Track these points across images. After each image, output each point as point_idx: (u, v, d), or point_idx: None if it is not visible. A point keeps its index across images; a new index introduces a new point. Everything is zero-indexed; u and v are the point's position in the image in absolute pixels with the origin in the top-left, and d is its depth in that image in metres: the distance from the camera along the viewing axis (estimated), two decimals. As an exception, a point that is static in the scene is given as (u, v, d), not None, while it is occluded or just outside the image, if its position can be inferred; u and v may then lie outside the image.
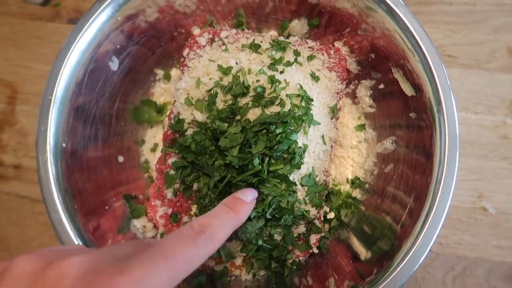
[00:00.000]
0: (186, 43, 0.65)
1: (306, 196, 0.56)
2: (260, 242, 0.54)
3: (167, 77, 0.68)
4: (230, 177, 0.52)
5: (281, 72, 0.58)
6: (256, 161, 0.50)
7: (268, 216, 0.53)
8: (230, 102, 0.55)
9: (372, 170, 0.64)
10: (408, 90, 0.57)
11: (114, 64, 0.60)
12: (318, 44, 0.64)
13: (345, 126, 0.66)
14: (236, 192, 0.49)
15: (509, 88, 0.72)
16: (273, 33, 0.68)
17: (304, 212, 0.55)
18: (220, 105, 0.55)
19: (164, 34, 0.65)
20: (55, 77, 0.53)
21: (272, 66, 0.58)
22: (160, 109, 0.67)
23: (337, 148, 0.65)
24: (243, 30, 0.66)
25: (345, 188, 0.65)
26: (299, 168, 0.53)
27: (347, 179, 0.65)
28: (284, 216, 0.53)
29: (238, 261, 0.57)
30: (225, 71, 0.57)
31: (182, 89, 0.59)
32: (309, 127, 0.55)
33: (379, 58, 0.62)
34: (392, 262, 0.51)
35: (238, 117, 0.54)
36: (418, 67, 0.55)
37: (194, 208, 0.57)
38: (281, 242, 0.56)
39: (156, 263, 0.34)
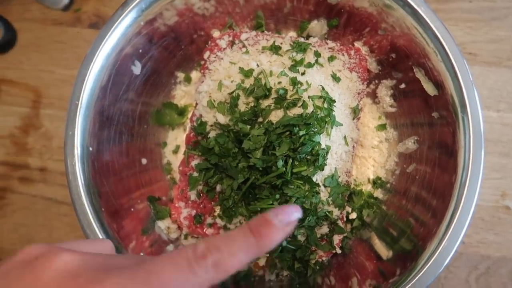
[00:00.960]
0: (207, 45, 0.65)
1: (329, 197, 0.56)
2: (284, 243, 0.54)
3: (188, 80, 0.69)
4: (254, 179, 0.53)
5: (303, 74, 0.58)
6: (280, 163, 0.51)
7: (292, 217, 0.53)
8: (252, 104, 0.55)
9: (394, 170, 0.64)
10: (430, 89, 0.57)
11: (136, 68, 0.61)
12: (338, 44, 0.64)
13: (365, 126, 0.66)
14: (270, 210, 0.36)
15: (532, 85, 0.71)
16: (292, 34, 0.68)
17: (327, 213, 0.55)
18: (242, 107, 0.56)
19: (184, 37, 0.66)
20: (81, 83, 0.54)
21: (293, 67, 0.58)
22: (181, 112, 0.68)
23: (358, 148, 0.65)
24: (262, 31, 0.66)
25: (367, 188, 0.65)
26: (323, 169, 0.54)
27: (369, 179, 0.65)
28: (307, 217, 0.54)
29: (262, 261, 0.58)
30: (247, 73, 0.58)
31: (204, 92, 0.59)
32: (332, 128, 0.55)
33: (400, 57, 0.62)
34: (416, 263, 0.51)
35: (260, 119, 0.54)
36: (440, 65, 0.55)
37: (217, 210, 0.58)
38: (304, 243, 0.56)
39: (134, 281, 0.30)
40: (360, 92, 0.62)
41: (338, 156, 0.57)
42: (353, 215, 0.62)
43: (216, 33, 0.67)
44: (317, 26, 0.67)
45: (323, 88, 0.56)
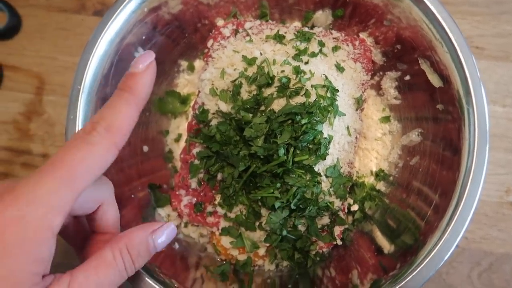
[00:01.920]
0: (210, 34, 0.65)
1: (330, 188, 0.55)
2: (284, 232, 0.54)
3: (191, 68, 0.69)
4: (255, 167, 0.52)
5: (306, 63, 0.57)
6: (282, 151, 0.50)
7: (292, 206, 0.53)
8: (254, 92, 0.55)
9: (397, 162, 0.63)
10: (435, 81, 0.56)
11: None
12: (343, 35, 0.63)
13: (369, 118, 0.65)
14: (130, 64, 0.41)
15: (539, 80, 0.70)
16: (297, 24, 0.67)
17: (329, 204, 0.55)
18: (244, 95, 0.55)
19: (188, 25, 0.66)
20: (84, 68, 0.54)
21: (297, 56, 0.58)
22: (184, 100, 0.68)
23: (361, 140, 0.64)
24: (267, 21, 0.65)
25: (369, 180, 0.64)
26: (324, 159, 0.53)
27: (371, 172, 0.65)
28: (308, 207, 0.53)
29: (262, 251, 0.57)
30: (250, 61, 0.57)
31: (207, 80, 0.59)
32: (334, 118, 0.54)
33: (405, 49, 0.61)
34: (416, 257, 0.50)
35: (262, 108, 0.54)
36: (446, 57, 0.54)
37: (218, 198, 0.57)
38: (304, 233, 0.56)
39: (43, 174, 0.33)
40: (364, 83, 0.61)
41: (341, 146, 0.56)
42: (355, 207, 0.62)
43: (220, 22, 0.66)
44: (322, 16, 0.66)
45: (326, 77, 0.55)
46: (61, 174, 0.34)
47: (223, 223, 0.57)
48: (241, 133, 0.53)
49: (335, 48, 0.61)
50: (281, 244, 0.56)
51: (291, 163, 0.51)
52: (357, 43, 0.63)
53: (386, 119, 0.65)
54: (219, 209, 0.57)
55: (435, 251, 0.48)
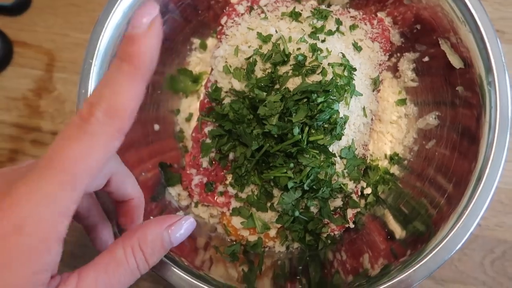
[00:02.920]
0: (224, 11, 0.63)
1: (344, 169, 0.54)
2: (296, 213, 0.53)
3: (203, 47, 0.68)
4: (268, 146, 0.51)
5: (323, 41, 0.56)
6: (296, 130, 0.49)
7: (305, 187, 0.52)
8: (269, 70, 0.53)
9: (412, 146, 0.62)
10: (456, 62, 0.55)
11: (151, 31, 0.60)
12: (361, 13, 0.61)
13: (385, 101, 0.64)
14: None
15: (562, 65, 0.68)
16: (313, 2, 0.65)
17: (342, 185, 0.54)
18: (259, 73, 0.54)
19: (201, 2, 0.64)
20: (96, 41, 0.52)
21: (313, 34, 0.56)
22: (196, 79, 0.67)
23: (376, 122, 0.63)
24: (282, -2, 0.64)
25: (383, 164, 0.63)
26: (340, 139, 0.52)
27: (386, 155, 0.63)
28: (321, 188, 0.52)
29: (272, 232, 0.57)
30: (265, 39, 0.56)
31: (220, 57, 0.58)
32: (351, 97, 0.53)
33: (425, 29, 0.59)
34: (427, 245, 0.49)
35: (277, 86, 0.53)
36: (468, 38, 0.52)
37: (229, 178, 0.57)
38: (317, 215, 0.55)
39: (41, 175, 0.29)
40: (382, 63, 0.60)
41: (356, 128, 0.55)
42: (368, 190, 0.61)
43: (234, -1, 0.65)
44: (339, -5, 0.64)
45: (343, 56, 0.54)
46: (61, 174, 0.30)
47: (234, 203, 0.57)
48: (255, 111, 0.52)
49: (353, 27, 0.59)
50: (293, 225, 0.55)
51: (305, 143, 0.50)
52: (375, 22, 0.61)
53: (402, 102, 0.63)
54: (230, 189, 0.56)
55: (445, 241, 0.47)
